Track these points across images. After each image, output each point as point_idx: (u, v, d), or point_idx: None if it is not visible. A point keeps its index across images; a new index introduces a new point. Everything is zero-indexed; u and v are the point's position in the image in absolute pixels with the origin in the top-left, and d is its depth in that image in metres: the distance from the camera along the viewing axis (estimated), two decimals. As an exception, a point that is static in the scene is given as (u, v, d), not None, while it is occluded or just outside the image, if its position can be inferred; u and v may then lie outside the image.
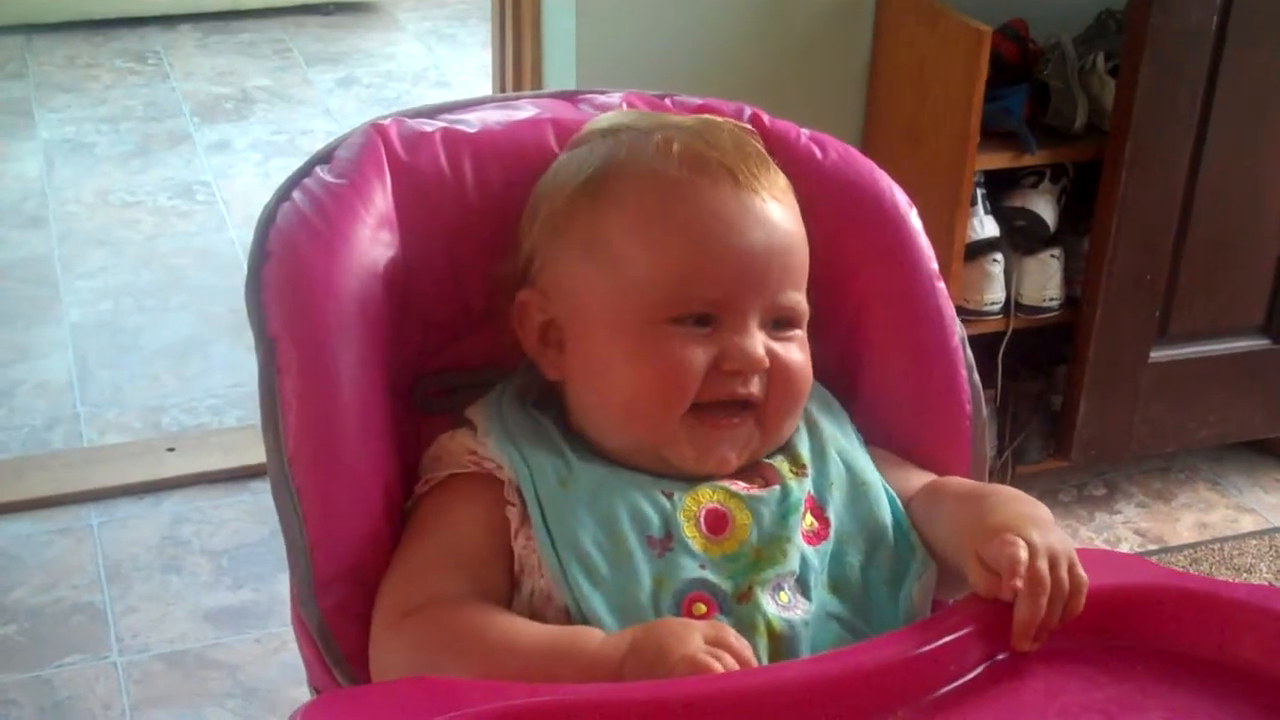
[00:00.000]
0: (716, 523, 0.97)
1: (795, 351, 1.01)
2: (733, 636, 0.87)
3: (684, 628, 0.87)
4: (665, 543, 0.95)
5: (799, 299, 1.01)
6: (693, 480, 0.98)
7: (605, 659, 0.87)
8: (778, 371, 0.99)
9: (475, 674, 0.87)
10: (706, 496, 0.98)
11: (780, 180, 1.03)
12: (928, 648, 0.86)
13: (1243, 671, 0.89)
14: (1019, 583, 0.88)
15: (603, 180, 1.01)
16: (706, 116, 1.10)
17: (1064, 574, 0.90)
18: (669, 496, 0.97)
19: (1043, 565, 0.90)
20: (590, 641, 0.89)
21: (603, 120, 1.09)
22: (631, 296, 0.98)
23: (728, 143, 1.01)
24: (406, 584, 0.96)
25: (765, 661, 0.92)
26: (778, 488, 0.99)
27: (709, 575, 0.94)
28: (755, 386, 0.98)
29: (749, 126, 1.11)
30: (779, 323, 1.00)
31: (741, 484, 0.99)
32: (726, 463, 0.99)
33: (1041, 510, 0.97)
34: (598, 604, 0.92)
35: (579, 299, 1.01)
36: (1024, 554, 0.89)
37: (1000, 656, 0.89)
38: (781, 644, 0.93)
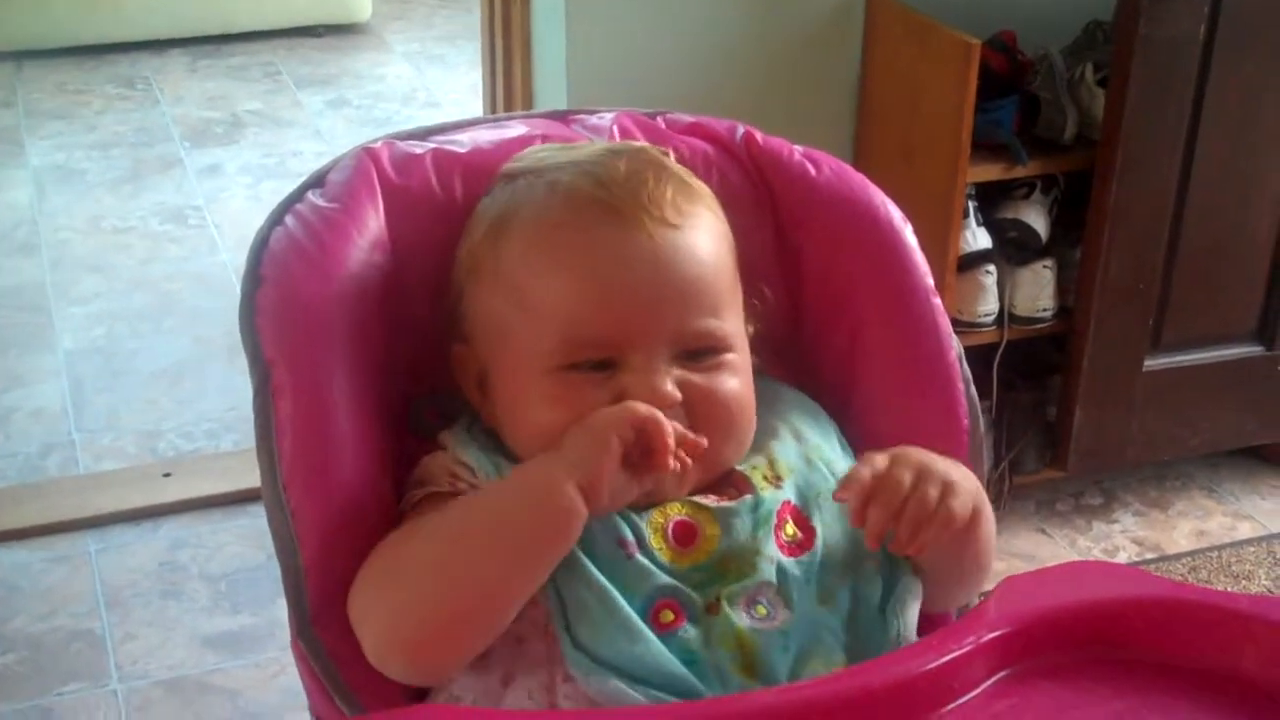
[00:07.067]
0: (685, 535, 0.96)
1: (722, 378, 0.99)
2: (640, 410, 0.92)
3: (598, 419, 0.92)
4: (635, 546, 0.94)
5: (715, 325, 0.99)
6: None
7: (546, 468, 0.91)
8: (698, 402, 0.97)
9: (442, 546, 0.92)
10: (675, 510, 0.97)
11: (689, 207, 1.00)
12: (933, 665, 0.86)
13: (1246, 683, 0.89)
14: (850, 497, 0.92)
15: (501, 227, 1.01)
16: (615, 145, 1.09)
17: (932, 491, 0.92)
18: (637, 511, 0.96)
19: (903, 475, 0.92)
20: (526, 466, 0.94)
21: (512, 163, 1.07)
22: (531, 343, 0.97)
23: (621, 176, 0.99)
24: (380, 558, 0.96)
25: (734, 673, 0.91)
26: (749, 497, 0.98)
27: (677, 583, 0.94)
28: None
29: (664, 150, 1.08)
30: (695, 353, 0.98)
31: (712, 496, 0.98)
32: (657, 493, 0.97)
33: (953, 464, 0.97)
34: (577, 580, 0.92)
35: (494, 346, 1.01)
36: (872, 468, 0.93)
37: (1004, 673, 0.89)
38: (756, 655, 0.92)
